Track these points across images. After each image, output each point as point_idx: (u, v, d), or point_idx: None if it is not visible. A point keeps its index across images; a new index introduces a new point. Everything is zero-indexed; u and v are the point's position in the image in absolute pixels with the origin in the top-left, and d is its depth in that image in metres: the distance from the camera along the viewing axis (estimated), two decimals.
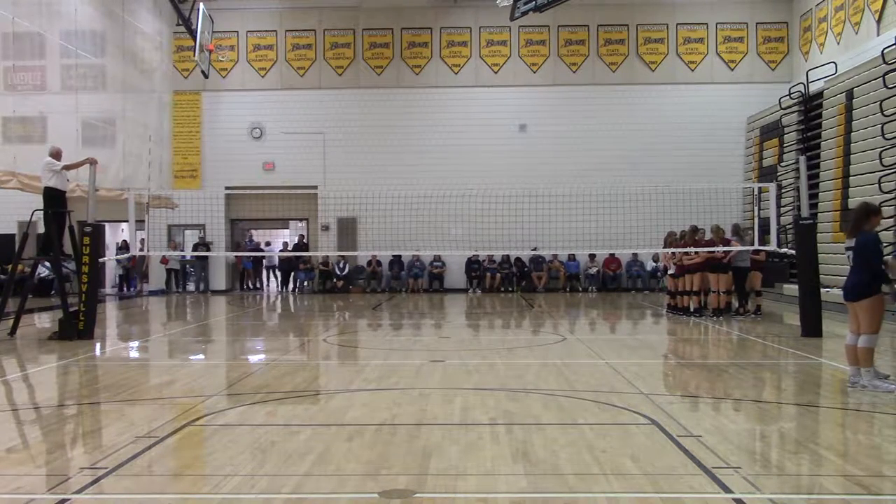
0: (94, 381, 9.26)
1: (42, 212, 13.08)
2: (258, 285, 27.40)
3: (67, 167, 13.31)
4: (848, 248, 8.03)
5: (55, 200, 13.07)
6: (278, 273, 27.06)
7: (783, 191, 20.62)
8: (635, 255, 24.51)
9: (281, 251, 27.43)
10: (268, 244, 28.57)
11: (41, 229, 13.90)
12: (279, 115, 25.98)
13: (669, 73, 25.87)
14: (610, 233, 19.97)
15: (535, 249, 24.18)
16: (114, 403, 7.66)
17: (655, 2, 26.02)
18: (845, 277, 8.23)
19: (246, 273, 27.38)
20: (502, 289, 25.05)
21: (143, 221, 21.40)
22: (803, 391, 8.47)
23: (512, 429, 6.41)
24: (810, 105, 22.28)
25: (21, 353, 11.52)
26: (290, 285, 26.31)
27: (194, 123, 26.20)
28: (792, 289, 17.20)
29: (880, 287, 7.77)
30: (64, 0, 19.03)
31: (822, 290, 12.71)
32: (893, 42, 17.76)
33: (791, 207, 20.76)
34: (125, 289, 26.57)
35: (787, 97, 22.82)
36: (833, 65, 21.03)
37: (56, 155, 13.19)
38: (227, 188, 25.46)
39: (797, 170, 14.96)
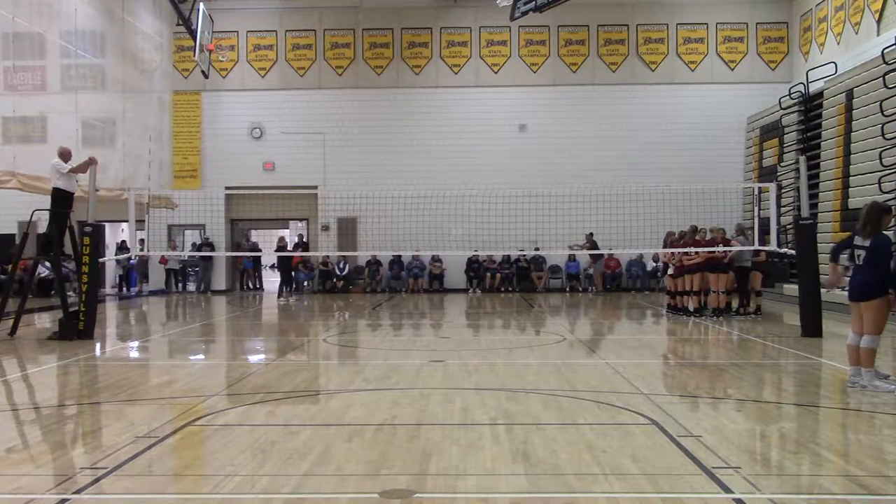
0: (94, 381, 9.26)
1: (47, 211, 13.07)
2: (258, 285, 27.41)
3: (73, 170, 13.25)
4: (859, 247, 7.97)
5: (61, 202, 13.06)
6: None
7: (783, 191, 20.60)
8: (640, 255, 24.48)
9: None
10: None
11: (41, 229, 13.89)
12: (279, 115, 25.99)
13: (669, 73, 25.87)
14: (610, 233, 19.99)
15: (536, 249, 24.20)
16: (114, 403, 7.66)
17: (655, 2, 26.02)
18: (848, 277, 8.22)
19: (246, 273, 27.38)
20: (502, 289, 25.06)
21: (143, 221, 21.40)
22: (803, 391, 8.47)
23: (512, 429, 6.40)
24: (810, 105, 22.28)
25: (21, 353, 11.51)
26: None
27: (194, 123, 26.21)
28: (792, 289, 17.20)
29: (886, 290, 7.74)
30: (64, 0, 19.02)
31: (822, 290, 12.70)
32: (893, 42, 17.76)
33: (791, 207, 20.75)
34: (125, 289, 26.59)
35: (787, 97, 22.82)
36: (833, 65, 21.03)
37: (63, 155, 13.15)
38: (227, 188, 25.48)
39: (797, 170, 14.97)
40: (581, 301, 21.70)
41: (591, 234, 22.63)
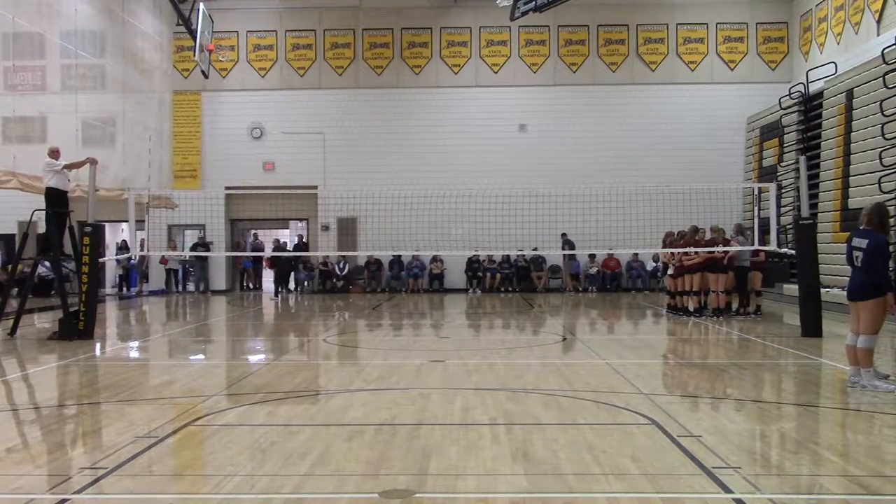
0: (94, 381, 9.26)
1: (43, 212, 13.06)
2: (258, 285, 27.39)
3: (68, 166, 13.28)
4: (857, 248, 7.92)
5: (56, 200, 13.06)
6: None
7: (783, 191, 20.61)
8: (636, 255, 24.52)
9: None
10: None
11: (41, 229, 13.89)
12: (279, 115, 25.99)
13: (669, 73, 25.87)
14: (610, 233, 19.98)
15: (535, 249, 24.20)
16: (114, 403, 7.66)
17: (655, 2, 26.02)
18: (847, 277, 8.21)
19: (246, 273, 27.36)
20: (502, 289, 25.05)
21: (143, 221, 21.41)
22: (803, 391, 8.47)
23: (512, 429, 6.40)
24: (810, 105, 22.28)
25: (21, 353, 11.52)
26: (291, 285, 26.28)
27: (194, 123, 26.20)
28: (792, 289, 17.20)
29: (883, 290, 7.74)
30: (64, 0, 19.02)
31: (822, 290, 12.71)
32: (893, 42, 17.76)
33: (791, 207, 20.76)
34: (125, 289, 26.58)
35: (787, 97, 22.82)
36: (833, 65, 21.02)
37: (53, 153, 13.16)
38: (227, 188, 25.47)
39: (797, 170, 14.96)
40: (581, 301, 21.70)
41: (565, 234, 23.05)
